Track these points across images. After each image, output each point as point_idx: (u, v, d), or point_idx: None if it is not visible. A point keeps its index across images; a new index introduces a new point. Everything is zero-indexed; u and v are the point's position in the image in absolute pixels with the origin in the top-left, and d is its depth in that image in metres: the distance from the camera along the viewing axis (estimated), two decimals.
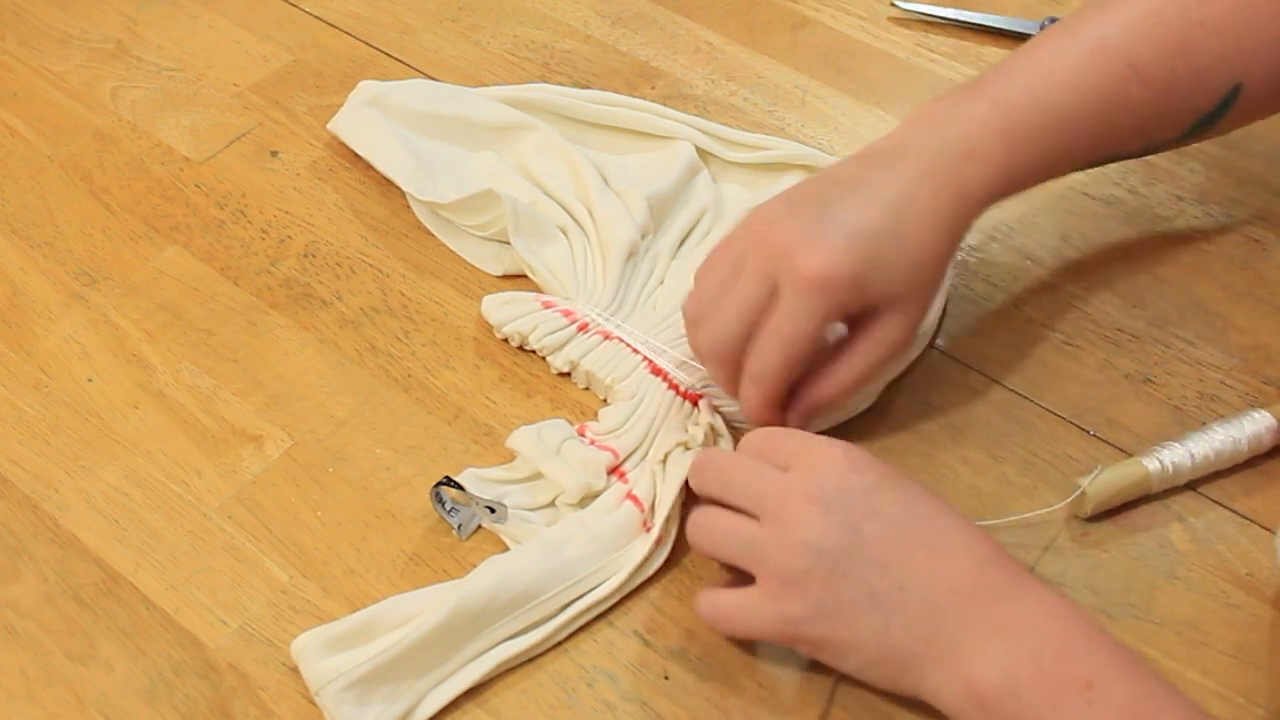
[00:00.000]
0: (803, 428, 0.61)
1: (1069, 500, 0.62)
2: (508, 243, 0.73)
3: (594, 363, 0.68)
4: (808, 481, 0.54)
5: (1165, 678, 0.50)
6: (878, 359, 0.61)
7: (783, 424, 0.61)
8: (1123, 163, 0.80)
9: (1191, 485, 0.64)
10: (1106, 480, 0.62)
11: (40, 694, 0.58)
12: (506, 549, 0.62)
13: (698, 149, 0.78)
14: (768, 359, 0.58)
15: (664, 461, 0.63)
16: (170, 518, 0.64)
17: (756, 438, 0.58)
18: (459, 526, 0.63)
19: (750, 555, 0.55)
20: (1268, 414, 0.65)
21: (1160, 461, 0.63)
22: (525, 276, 0.73)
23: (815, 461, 0.55)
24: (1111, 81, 0.63)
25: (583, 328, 0.69)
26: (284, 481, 0.65)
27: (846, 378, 0.61)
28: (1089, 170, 0.80)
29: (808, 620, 0.54)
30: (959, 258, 0.74)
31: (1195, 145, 0.81)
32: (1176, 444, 0.64)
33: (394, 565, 0.62)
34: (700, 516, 0.58)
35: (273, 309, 0.72)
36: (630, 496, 0.62)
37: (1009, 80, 0.62)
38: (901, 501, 0.54)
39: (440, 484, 0.62)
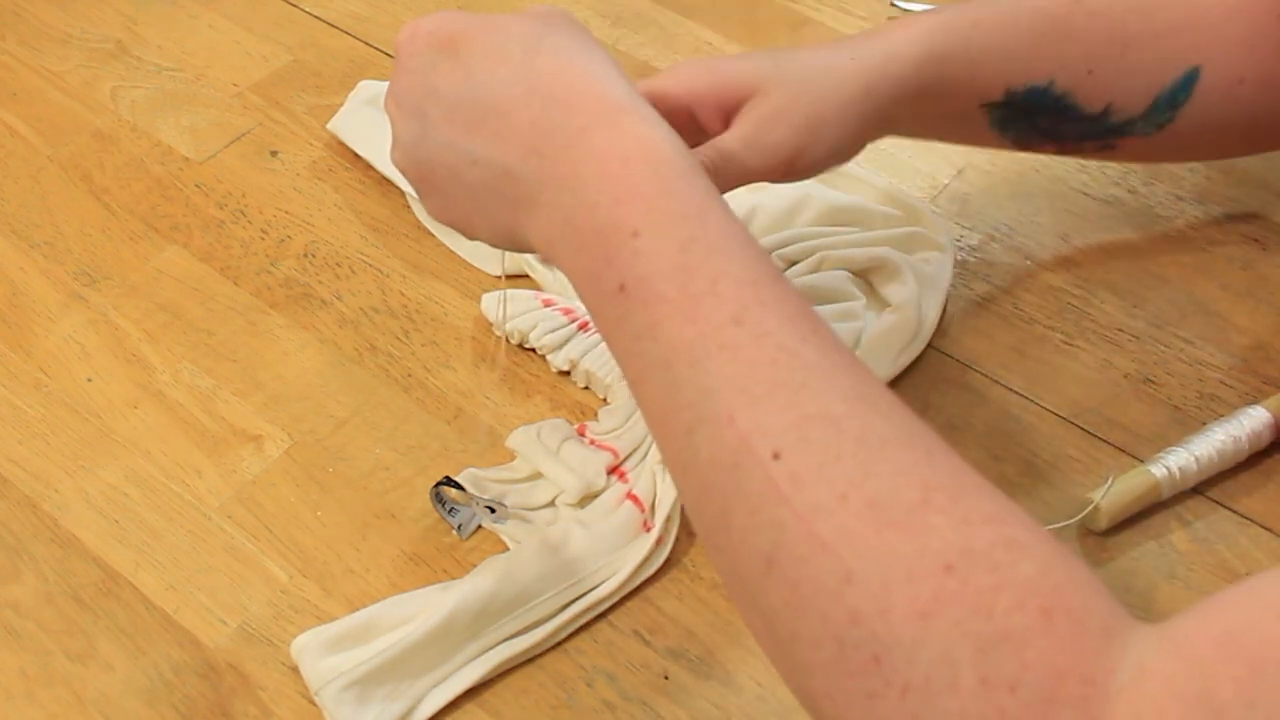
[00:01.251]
0: None
1: (1082, 515, 0.62)
2: None
3: (594, 361, 0.68)
4: (393, 84, 0.51)
5: (737, 236, 0.44)
6: None
7: None
8: (1123, 163, 0.80)
9: (1193, 486, 0.64)
10: (1119, 492, 0.62)
11: (40, 694, 0.58)
12: (506, 549, 0.62)
13: None
14: None
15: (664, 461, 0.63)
16: (170, 518, 0.64)
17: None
18: (459, 526, 0.63)
19: None
20: (1264, 410, 0.65)
21: (1167, 468, 0.63)
22: (525, 276, 0.73)
23: (396, 63, 0.51)
24: (1055, 8, 0.62)
25: (583, 326, 0.69)
26: (284, 481, 0.65)
27: None
28: (1089, 170, 0.80)
29: (424, 196, 0.52)
30: (959, 258, 0.74)
31: None
32: (1179, 448, 0.63)
33: (394, 565, 0.62)
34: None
35: (272, 309, 0.72)
36: (630, 496, 0.62)
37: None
38: (459, 71, 0.48)
39: (440, 484, 0.62)
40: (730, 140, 0.57)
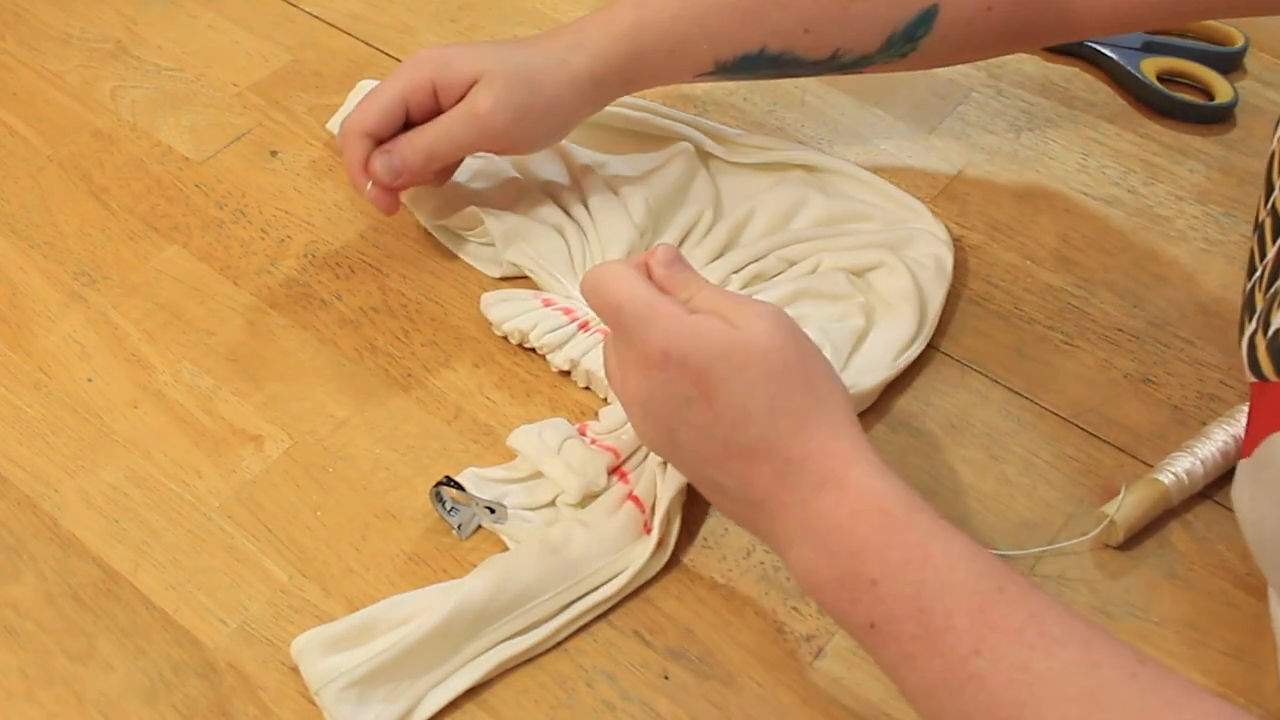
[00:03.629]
0: (386, 176, 0.69)
1: (1099, 529, 0.62)
2: None
3: (594, 361, 0.68)
4: (635, 382, 0.57)
5: (959, 560, 0.50)
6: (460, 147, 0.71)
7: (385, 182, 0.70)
8: (1123, 163, 0.80)
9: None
10: (1132, 504, 0.62)
11: (40, 694, 0.58)
12: (506, 549, 0.62)
13: (698, 149, 0.78)
14: (415, 145, 0.69)
15: (665, 462, 0.63)
16: (170, 518, 0.64)
17: (599, 304, 0.59)
18: (459, 526, 0.63)
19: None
20: None
21: (1174, 474, 0.62)
22: (525, 276, 0.73)
23: (640, 364, 0.57)
24: None
25: (583, 326, 0.69)
26: (284, 481, 0.65)
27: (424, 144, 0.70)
28: (1089, 170, 0.80)
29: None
30: (959, 258, 0.74)
31: (1195, 145, 0.81)
32: (1183, 453, 0.63)
33: (394, 565, 0.62)
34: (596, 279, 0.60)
35: (273, 309, 0.72)
36: (631, 497, 0.62)
37: None
38: (712, 414, 0.55)
39: (440, 484, 0.62)
40: (455, 115, 0.69)
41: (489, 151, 0.73)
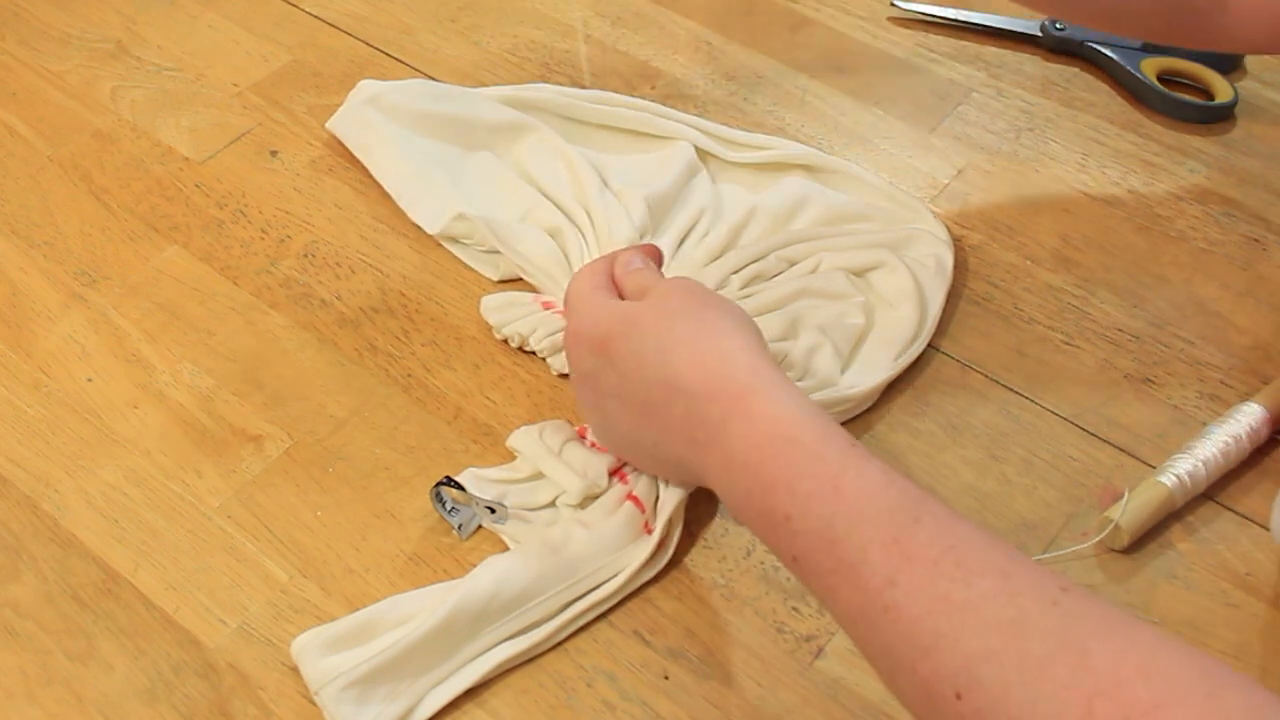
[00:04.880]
0: None
1: (1104, 534, 0.62)
2: None
3: None
4: (571, 368, 0.62)
5: (873, 490, 0.49)
6: None
7: None
8: (1123, 163, 0.81)
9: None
10: (1137, 508, 0.62)
11: (40, 694, 0.58)
12: (506, 549, 0.62)
13: (697, 149, 0.78)
14: None
15: None
16: (170, 518, 0.64)
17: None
18: (459, 526, 0.63)
19: None
20: (1256, 405, 0.65)
21: (1177, 476, 0.62)
22: (522, 279, 0.73)
23: (568, 348, 0.61)
24: None
25: None
26: (284, 481, 0.65)
27: None
28: (1089, 170, 0.80)
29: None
30: (959, 258, 0.74)
31: (1195, 145, 0.81)
32: (1184, 455, 0.63)
33: (394, 565, 0.62)
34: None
35: (272, 309, 0.72)
36: (631, 497, 0.62)
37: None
38: (614, 375, 0.58)
39: (440, 484, 0.62)
40: None
41: None
